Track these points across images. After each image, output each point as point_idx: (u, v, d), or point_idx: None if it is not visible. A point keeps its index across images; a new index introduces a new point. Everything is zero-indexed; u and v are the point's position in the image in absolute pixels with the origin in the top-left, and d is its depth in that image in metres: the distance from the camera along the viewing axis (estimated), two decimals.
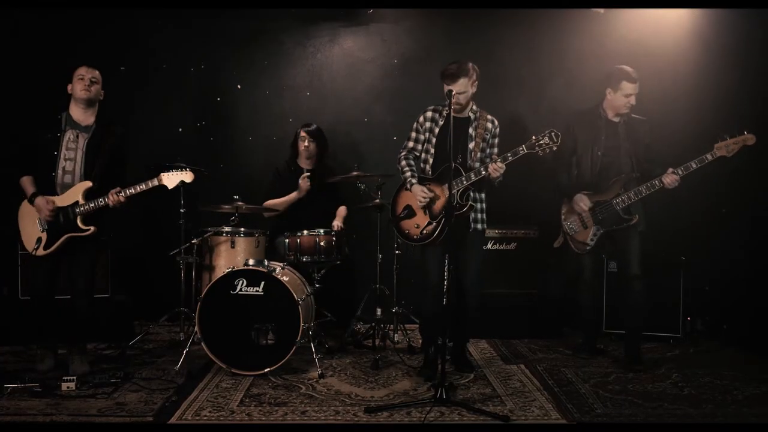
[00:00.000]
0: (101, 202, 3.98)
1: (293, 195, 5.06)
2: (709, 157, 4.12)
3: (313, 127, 5.15)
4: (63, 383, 3.75)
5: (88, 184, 4.02)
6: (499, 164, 3.85)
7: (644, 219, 4.37)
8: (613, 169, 4.35)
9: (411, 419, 3.40)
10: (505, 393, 3.82)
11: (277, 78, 5.80)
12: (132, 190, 4.01)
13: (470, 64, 3.98)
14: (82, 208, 3.99)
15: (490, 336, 5.07)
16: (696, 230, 5.37)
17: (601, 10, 5.46)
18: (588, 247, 4.42)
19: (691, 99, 5.26)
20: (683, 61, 5.37)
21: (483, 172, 3.89)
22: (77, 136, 4.05)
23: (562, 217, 4.55)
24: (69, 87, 4.10)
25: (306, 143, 5.08)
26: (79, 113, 4.09)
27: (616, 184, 4.31)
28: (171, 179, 4.06)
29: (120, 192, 3.98)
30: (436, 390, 3.53)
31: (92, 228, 4.02)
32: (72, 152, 4.04)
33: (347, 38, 5.81)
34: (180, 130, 5.75)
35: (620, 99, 4.31)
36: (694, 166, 4.13)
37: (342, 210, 5.23)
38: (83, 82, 4.05)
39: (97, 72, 4.13)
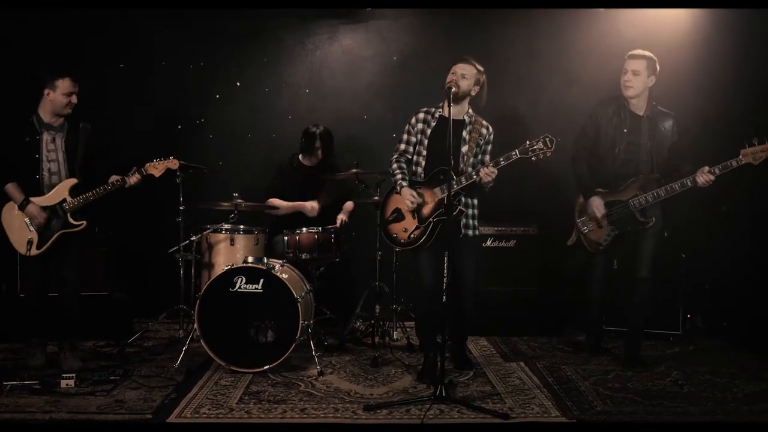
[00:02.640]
0: (90, 195, 4.07)
1: (299, 205, 5.05)
2: (734, 163, 3.93)
3: (322, 128, 5.09)
4: (62, 380, 3.75)
5: (73, 181, 4.11)
6: (491, 169, 3.78)
7: (662, 220, 4.25)
8: (631, 166, 4.22)
9: (410, 417, 3.39)
10: (505, 390, 3.82)
11: (276, 75, 5.79)
12: (127, 177, 4.13)
13: (481, 67, 3.99)
14: (70, 205, 4.07)
15: (489, 334, 5.06)
16: (696, 228, 5.36)
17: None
18: (601, 247, 4.36)
19: (690, 98, 5.25)
20: (683, 60, 5.34)
21: (474, 177, 3.83)
22: (54, 138, 4.10)
23: (576, 213, 4.47)
24: (47, 92, 4.04)
25: (317, 144, 5.06)
26: (49, 117, 4.10)
27: (633, 185, 4.20)
28: (157, 167, 4.20)
29: (136, 170, 4.13)
30: (436, 387, 3.53)
31: (84, 223, 4.11)
32: (53, 153, 4.10)
33: (346, 36, 5.80)
34: (179, 127, 5.74)
35: (623, 77, 4.19)
36: (717, 172, 3.96)
37: (349, 204, 5.24)
38: (69, 99, 4.05)
39: (77, 83, 4.11)
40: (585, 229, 4.41)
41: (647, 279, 4.27)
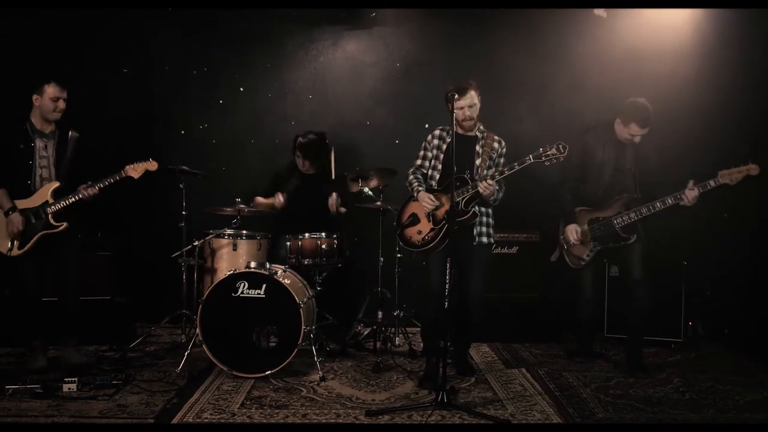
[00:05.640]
0: (71, 198, 4.15)
1: (270, 201, 5.05)
2: (712, 183, 4.11)
3: (308, 138, 5.06)
4: (64, 384, 3.75)
5: (56, 184, 4.19)
6: (488, 182, 3.86)
7: (642, 230, 4.32)
8: (617, 187, 4.33)
9: (412, 423, 3.39)
10: (507, 397, 3.82)
11: (279, 81, 5.81)
12: (101, 184, 4.18)
13: (473, 82, 4.03)
14: (52, 207, 4.15)
15: (491, 340, 5.06)
16: (697, 235, 5.36)
17: (604, 14, 5.45)
18: (583, 263, 4.42)
19: (692, 101, 5.25)
20: (685, 62, 5.35)
21: (472, 190, 3.92)
22: (46, 146, 4.20)
23: (560, 232, 4.53)
24: (35, 98, 4.15)
25: (299, 155, 5.07)
26: (41, 123, 4.20)
27: (617, 202, 4.29)
28: (136, 170, 4.24)
29: (91, 185, 4.15)
30: (438, 394, 3.54)
31: (64, 224, 4.17)
32: (45, 160, 4.21)
33: (350, 41, 5.82)
34: (182, 132, 5.76)
35: (625, 134, 4.26)
36: (698, 190, 4.08)
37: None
38: (57, 105, 4.14)
39: (65, 89, 4.18)
40: (567, 245, 4.45)
41: (641, 281, 4.32)
